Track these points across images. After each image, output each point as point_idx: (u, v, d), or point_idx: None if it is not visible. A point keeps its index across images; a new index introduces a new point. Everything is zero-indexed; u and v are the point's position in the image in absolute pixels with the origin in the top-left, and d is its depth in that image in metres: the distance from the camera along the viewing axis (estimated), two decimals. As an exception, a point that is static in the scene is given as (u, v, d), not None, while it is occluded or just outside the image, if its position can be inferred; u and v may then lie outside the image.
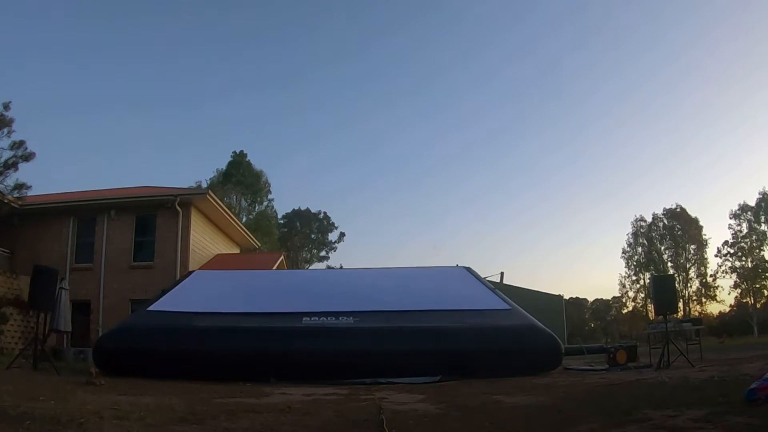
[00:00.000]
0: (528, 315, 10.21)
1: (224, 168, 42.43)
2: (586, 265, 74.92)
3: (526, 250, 72.66)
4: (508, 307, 10.59)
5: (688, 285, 45.34)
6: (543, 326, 9.83)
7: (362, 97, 71.00)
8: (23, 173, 15.27)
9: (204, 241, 18.05)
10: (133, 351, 8.58)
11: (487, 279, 15.54)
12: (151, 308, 10.22)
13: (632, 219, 49.26)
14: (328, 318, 9.45)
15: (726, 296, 44.20)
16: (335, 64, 68.48)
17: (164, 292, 11.41)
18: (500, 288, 13.45)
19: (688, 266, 46.22)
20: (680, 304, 39.12)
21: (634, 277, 47.95)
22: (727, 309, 44.60)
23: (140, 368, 8.46)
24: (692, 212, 47.14)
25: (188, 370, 8.31)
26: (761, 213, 43.35)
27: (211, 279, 13.31)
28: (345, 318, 9.48)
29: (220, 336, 8.87)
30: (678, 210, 47.59)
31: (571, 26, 65.30)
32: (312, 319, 9.40)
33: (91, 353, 13.50)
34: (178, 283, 12.53)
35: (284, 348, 8.67)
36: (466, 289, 11.90)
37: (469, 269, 13.56)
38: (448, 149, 72.64)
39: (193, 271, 14.22)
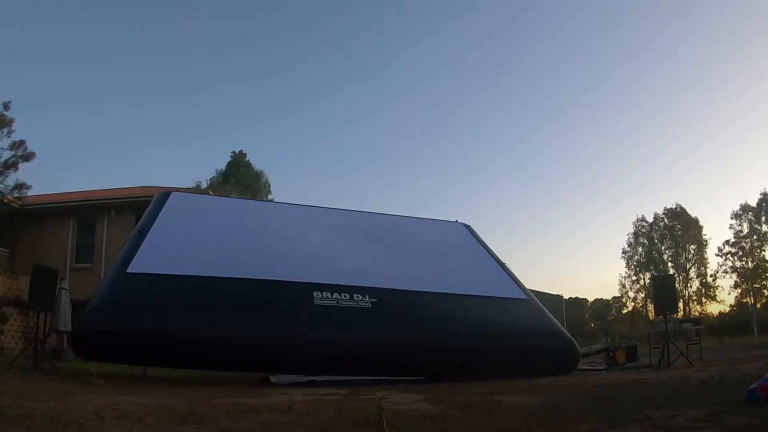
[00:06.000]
0: (545, 311, 10.20)
1: (224, 168, 42.46)
2: (585, 265, 75.03)
3: (525, 249, 72.75)
4: (525, 296, 10.45)
5: (688, 285, 45.36)
6: (562, 328, 9.86)
7: (361, 95, 71.00)
8: (23, 173, 15.32)
9: (204, 241, 18.03)
10: (118, 335, 7.23)
11: None
12: (131, 269, 8.26)
13: (633, 219, 49.43)
14: (344, 295, 8.75)
15: (726, 296, 44.33)
16: (333, 62, 68.54)
17: (141, 234, 9.29)
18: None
19: (688, 266, 46.23)
20: (680, 304, 39.13)
21: (634, 277, 48.04)
22: (727, 309, 44.68)
23: (127, 354, 7.50)
24: (692, 212, 47.31)
25: (185, 358, 7.58)
26: (762, 214, 43.37)
27: (192, 208, 11.29)
28: (359, 295, 8.80)
29: (222, 320, 7.76)
30: (678, 210, 47.63)
31: (570, 23, 65.41)
32: (324, 294, 8.63)
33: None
34: (154, 216, 10.06)
35: (294, 337, 7.93)
36: (475, 260, 11.59)
37: (468, 228, 13.17)
38: (446, 147, 72.75)
39: (168, 193, 11.40)
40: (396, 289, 9.22)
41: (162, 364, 8.19)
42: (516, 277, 11.26)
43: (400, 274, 9.88)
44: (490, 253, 12.11)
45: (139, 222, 10.17)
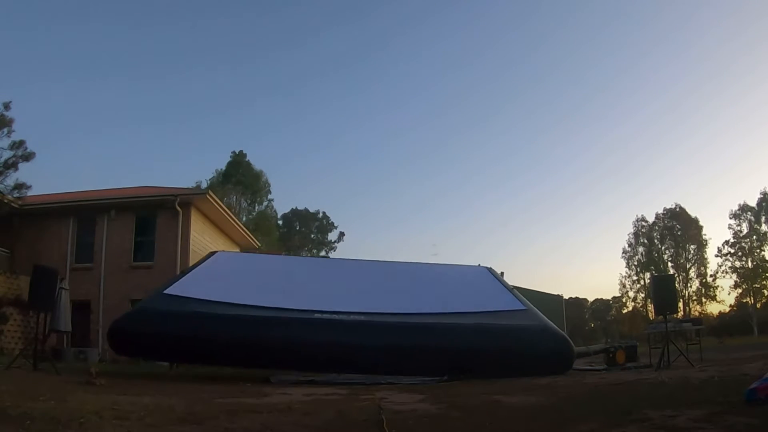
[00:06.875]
0: (542, 315, 10.21)
1: (224, 168, 42.40)
2: (586, 265, 74.99)
3: (525, 250, 72.74)
4: (523, 307, 10.51)
5: (688, 285, 45.35)
6: (557, 328, 9.84)
7: (362, 99, 70.97)
8: (23, 173, 15.28)
9: (204, 241, 18.02)
10: (145, 335, 8.81)
11: None
12: (167, 291, 10.06)
13: (633, 219, 49.41)
14: (340, 316, 9.41)
15: (726, 296, 44.30)
16: (333, 69, 68.52)
17: (183, 274, 11.44)
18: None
19: (688, 266, 46.20)
20: (680, 304, 39.08)
21: (634, 277, 48.01)
22: (727, 309, 44.65)
23: (153, 352, 9.02)
24: (692, 212, 47.27)
25: (200, 357, 8.90)
26: (762, 214, 43.32)
27: (232, 262, 13.48)
28: (356, 316, 9.40)
29: (234, 324, 8.86)
30: (678, 210, 47.59)
31: (573, 28, 65.39)
32: (324, 315, 9.34)
33: (90, 353, 13.65)
34: (199, 263, 12.46)
35: (295, 338, 8.70)
36: (485, 289, 11.76)
37: (490, 269, 13.40)
38: (447, 151, 72.78)
39: (216, 252, 14.24)
40: (390, 313, 9.71)
41: (181, 360, 9.84)
42: (521, 297, 11.30)
43: (402, 304, 10.30)
44: (503, 285, 12.20)
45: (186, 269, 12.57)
